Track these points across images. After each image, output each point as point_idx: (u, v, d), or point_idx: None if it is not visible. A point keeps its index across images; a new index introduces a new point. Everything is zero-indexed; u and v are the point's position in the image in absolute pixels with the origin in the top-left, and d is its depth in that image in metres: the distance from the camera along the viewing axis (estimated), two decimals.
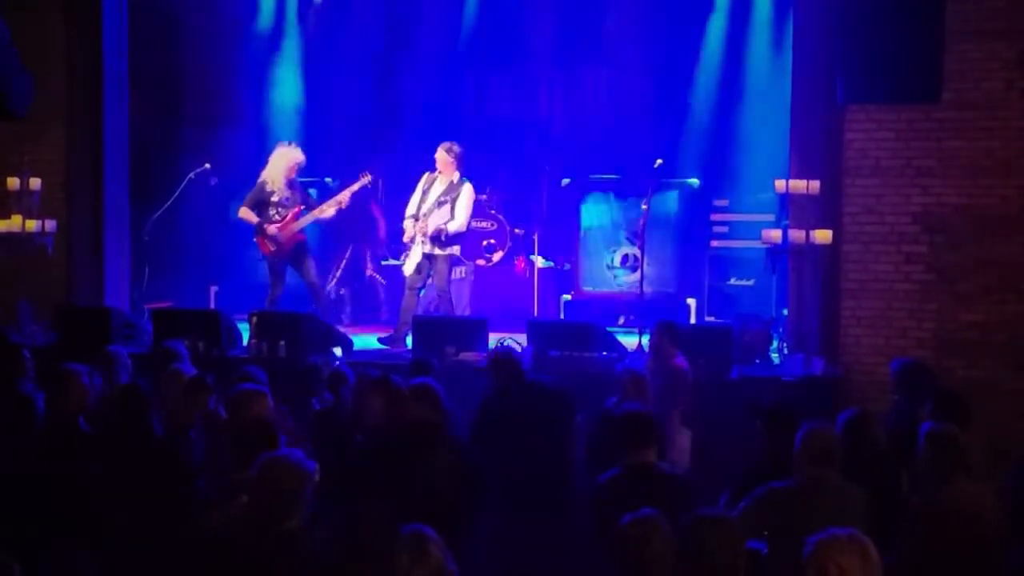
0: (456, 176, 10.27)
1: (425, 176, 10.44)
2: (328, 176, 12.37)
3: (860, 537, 3.78)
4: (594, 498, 5.45)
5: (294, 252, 10.47)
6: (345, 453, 6.11)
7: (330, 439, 6.37)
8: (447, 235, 10.16)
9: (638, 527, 3.98)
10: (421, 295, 10.53)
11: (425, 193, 10.32)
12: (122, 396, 6.20)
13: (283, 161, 10.47)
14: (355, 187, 10.63)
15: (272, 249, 10.44)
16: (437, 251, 10.20)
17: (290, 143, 10.65)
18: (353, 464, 5.92)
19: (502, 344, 9.13)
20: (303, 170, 10.76)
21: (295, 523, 4.31)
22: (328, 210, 10.55)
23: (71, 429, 5.95)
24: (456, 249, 10.41)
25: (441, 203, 10.17)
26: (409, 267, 10.37)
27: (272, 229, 10.37)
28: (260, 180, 10.51)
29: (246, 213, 10.50)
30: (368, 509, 4.02)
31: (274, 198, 10.43)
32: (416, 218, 10.24)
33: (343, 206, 10.63)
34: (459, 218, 10.19)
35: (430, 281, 10.37)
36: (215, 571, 4.32)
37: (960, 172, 9.17)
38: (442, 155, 10.24)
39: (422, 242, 10.19)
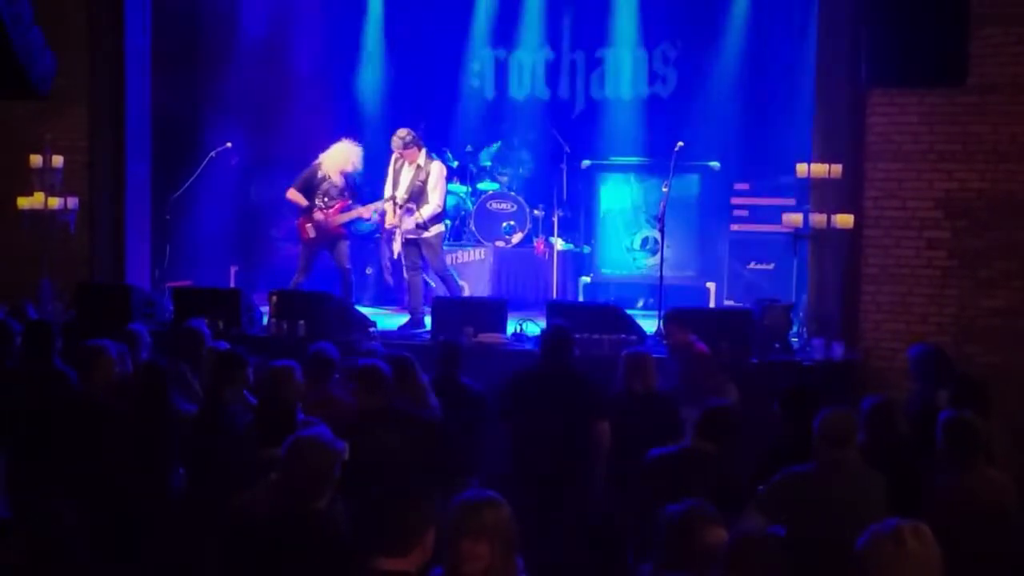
0: (421, 158, 10.19)
1: (394, 156, 10.37)
2: None
3: (900, 526, 3.67)
4: (645, 470, 5.63)
5: (333, 239, 10.51)
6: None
7: None
8: (425, 221, 10.12)
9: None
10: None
11: (397, 174, 10.27)
12: (143, 373, 6.25)
13: (344, 157, 10.50)
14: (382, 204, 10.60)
15: (313, 236, 10.47)
16: (423, 235, 10.17)
17: (357, 143, 10.65)
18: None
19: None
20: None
21: (323, 503, 4.32)
22: (366, 213, 10.56)
23: (99, 404, 6.00)
24: (442, 227, 10.36)
25: (418, 191, 10.07)
26: (396, 248, 10.45)
27: (319, 216, 10.39)
28: (315, 164, 10.53)
29: (295, 195, 10.51)
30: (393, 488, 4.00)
31: (324, 186, 10.46)
32: (394, 200, 10.19)
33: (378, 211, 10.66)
34: (433, 201, 10.11)
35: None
36: (242, 549, 4.34)
37: (983, 157, 9.11)
38: (397, 147, 10.19)
39: (402, 233, 10.18)
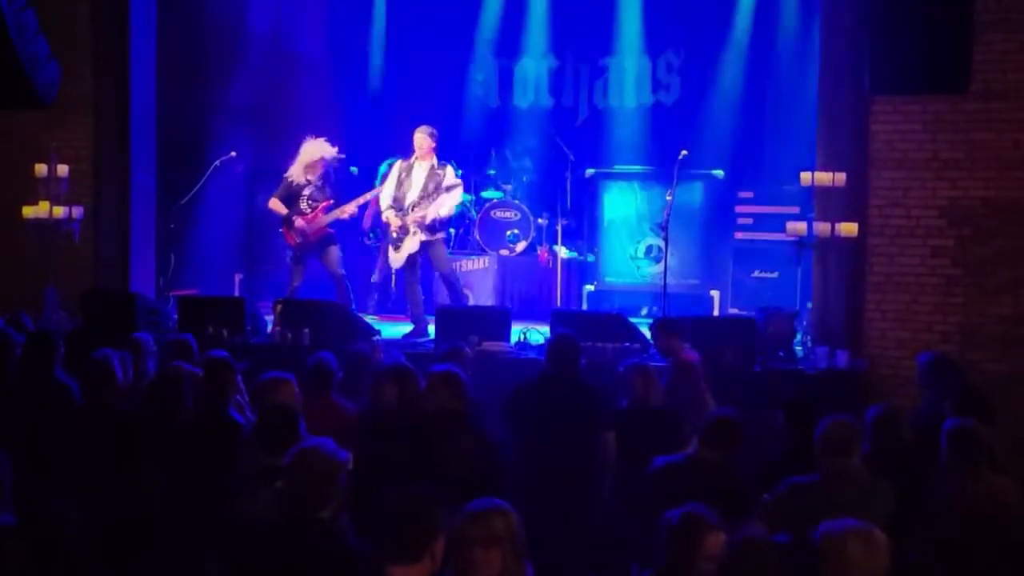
0: (435, 160, 10.17)
1: (398, 163, 10.32)
2: (353, 166, 12.38)
3: (849, 527, 3.82)
4: (650, 479, 5.66)
5: (320, 244, 10.48)
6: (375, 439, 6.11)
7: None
8: (440, 221, 10.11)
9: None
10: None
11: (402, 181, 10.19)
12: (161, 380, 6.28)
13: (311, 155, 10.47)
14: (370, 195, 10.68)
15: (298, 241, 10.46)
16: (430, 238, 10.12)
17: (320, 137, 10.60)
18: (372, 450, 5.91)
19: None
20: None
21: (328, 512, 4.33)
22: (350, 209, 10.54)
23: (107, 413, 6.01)
24: (443, 233, 10.36)
25: (434, 190, 10.03)
26: (400, 259, 10.23)
27: (300, 222, 10.38)
28: (289, 173, 10.52)
29: (276, 204, 10.50)
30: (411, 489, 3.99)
31: (304, 191, 10.44)
32: (400, 208, 10.11)
33: (359, 204, 10.67)
34: (448, 203, 10.12)
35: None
36: (247, 559, 4.34)
37: (987, 165, 9.11)
38: (423, 140, 10.09)
39: (415, 232, 10.08)
